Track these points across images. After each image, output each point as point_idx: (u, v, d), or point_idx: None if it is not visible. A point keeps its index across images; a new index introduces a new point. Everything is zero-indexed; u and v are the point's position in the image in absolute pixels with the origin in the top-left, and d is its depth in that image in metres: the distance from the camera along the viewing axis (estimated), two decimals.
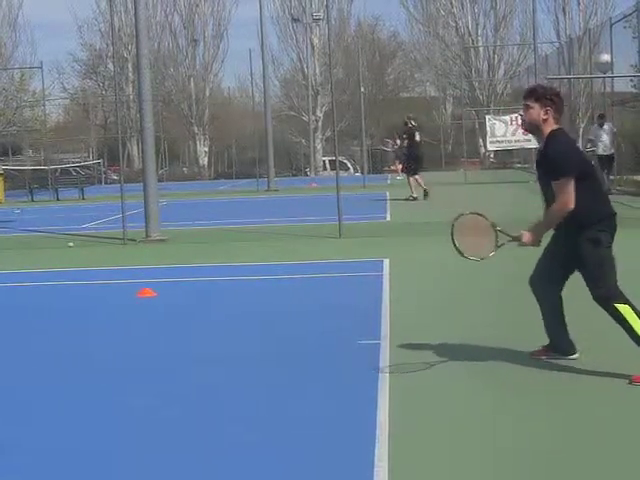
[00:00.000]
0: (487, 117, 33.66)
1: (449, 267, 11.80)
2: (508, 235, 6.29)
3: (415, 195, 23.63)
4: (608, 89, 28.58)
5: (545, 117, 6.20)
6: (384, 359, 6.71)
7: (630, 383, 5.90)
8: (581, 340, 6.60)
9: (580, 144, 33.53)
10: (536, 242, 6.30)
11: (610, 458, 4.65)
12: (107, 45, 59.04)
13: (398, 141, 42.71)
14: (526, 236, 6.24)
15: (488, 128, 32.14)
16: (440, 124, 56.96)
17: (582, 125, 33.95)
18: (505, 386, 6.07)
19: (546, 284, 6.43)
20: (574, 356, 6.50)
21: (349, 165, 52.67)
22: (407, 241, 14.85)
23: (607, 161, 23.63)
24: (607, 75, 26.77)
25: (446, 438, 5.01)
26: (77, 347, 7.75)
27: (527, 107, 6.26)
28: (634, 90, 29.54)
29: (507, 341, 7.10)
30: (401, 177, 39.32)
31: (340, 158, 26.26)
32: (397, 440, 4.92)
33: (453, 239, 6.34)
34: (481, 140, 50.26)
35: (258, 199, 29.68)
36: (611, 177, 23.96)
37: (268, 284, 10.98)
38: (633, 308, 6.07)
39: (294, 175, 54.73)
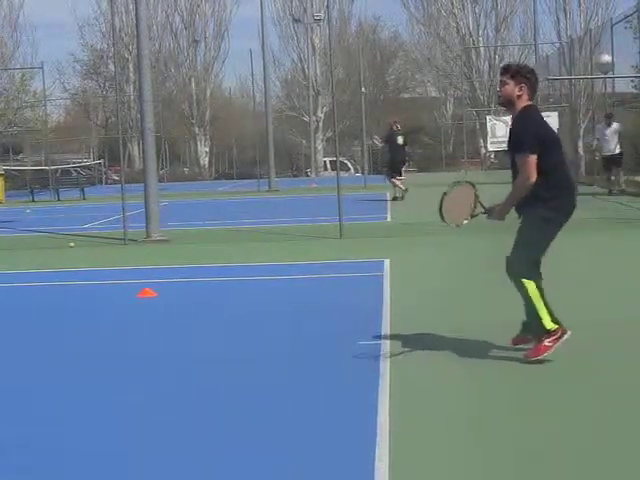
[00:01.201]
0: (488, 117, 33.66)
1: (449, 267, 11.81)
2: (483, 207, 6.56)
3: (398, 195, 24.16)
4: (609, 90, 28.57)
5: (519, 93, 6.44)
6: (384, 359, 6.71)
7: (529, 362, 6.31)
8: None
9: (581, 144, 33.58)
10: (502, 218, 6.55)
11: (614, 459, 4.65)
12: (108, 45, 59.12)
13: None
14: (496, 210, 6.52)
15: (489, 129, 32.14)
16: (441, 125, 57.00)
17: (583, 125, 33.91)
18: (506, 386, 6.07)
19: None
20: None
21: (350, 165, 52.69)
22: (408, 241, 14.85)
23: (612, 162, 23.42)
24: (608, 76, 26.76)
25: (446, 438, 5.01)
26: (77, 347, 7.75)
27: (503, 83, 6.49)
28: (635, 90, 29.55)
29: (508, 341, 7.09)
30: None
31: (341, 158, 26.32)
32: (397, 440, 4.92)
33: (442, 205, 6.68)
34: (482, 141, 50.24)
35: (259, 199, 29.68)
36: (612, 177, 23.75)
37: (268, 284, 10.98)
38: (537, 285, 6.35)
39: (295, 175, 54.75)
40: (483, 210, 6.56)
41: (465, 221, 6.62)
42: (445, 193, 6.70)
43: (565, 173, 6.56)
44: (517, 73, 6.45)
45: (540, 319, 6.36)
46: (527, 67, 6.69)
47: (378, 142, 28.87)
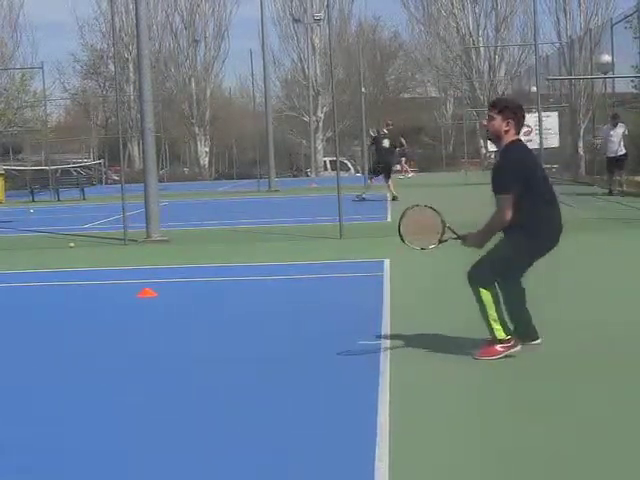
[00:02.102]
0: None
1: (450, 267, 11.80)
2: (455, 233, 6.60)
3: (364, 196, 24.36)
4: (609, 90, 28.57)
5: (507, 128, 6.51)
6: (384, 359, 6.71)
7: (475, 358, 6.46)
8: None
9: (581, 144, 33.57)
10: (479, 246, 6.63)
11: (615, 459, 4.65)
12: (108, 45, 59.15)
13: (403, 140, 43.28)
14: (470, 237, 6.59)
15: None
16: (441, 125, 57.01)
17: (583, 125, 33.91)
18: (506, 386, 6.07)
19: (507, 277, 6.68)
20: (538, 341, 6.68)
21: (350, 165, 52.72)
22: None
23: (616, 163, 23.31)
24: (608, 76, 26.76)
25: (447, 438, 5.01)
26: (77, 347, 7.75)
27: (491, 118, 6.55)
28: (635, 91, 29.54)
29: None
30: (406, 176, 39.49)
31: (341, 158, 26.42)
32: (397, 440, 4.92)
33: (400, 224, 6.79)
34: (482, 141, 50.25)
35: (259, 199, 29.69)
36: (615, 178, 23.64)
37: (268, 284, 10.98)
38: (492, 294, 6.45)
39: (295, 176, 54.75)
40: (455, 236, 6.61)
41: (432, 246, 6.68)
42: (403, 215, 6.82)
43: (550, 209, 6.53)
44: (505, 108, 6.53)
45: (491, 327, 6.47)
46: (515, 102, 6.81)
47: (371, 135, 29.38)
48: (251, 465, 4.70)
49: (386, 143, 24.78)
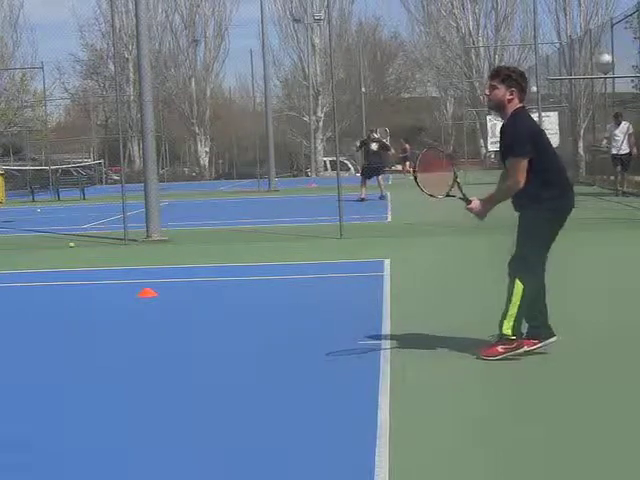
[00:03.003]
0: (488, 117, 33.62)
1: (449, 267, 11.81)
2: (462, 192, 6.51)
3: (363, 196, 24.55)
4: (609, 89, 28.55)
5: (510, 97, 6.44)
6: (384, 359, 6.71)
7: (478, 358, 6.43)
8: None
9: (581, 144, 33.54)
10: (482, 214, 6.53)
11: (613, 457, 4.65)
12: (108, 45, 59.15)
13: (407, 146, 43.46)
14: (475, 203, 6.49)
15: (489, 128, 32.12)
16: (441, 125, 56.96)
17: (583, 125, 33.89)
18: (507, 385, 6.07)
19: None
20: (552, 339, 6.61)
21: (350, 165, 52.69)
22: (408, 241, 14.85)
23: (622, 161, 23.16)
24: (608, 76, 26.74)
25: (446, 438, 5.01)
26: (78, 347, 7.75)
27: (493, 87, 6.47)
28: (635, 91, 29.53)
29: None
30: (407, 177, 39.57)
31: (341, 158, 26.52)
32: (397, 440, 4.92)
33: (417, 165, 6.62)
34: (482, 141, 50.24)
35: (259, 199, 29.69)
36: (619, 177, 23.48)
37: (269, 284, 10.99)
38: (524, 292, 6.35)
39: (295, 176, 54.73)
40: (462, 196, 6.51)
41: (440, 196, 6.55)
42: (421, 157, 6.71)
43: (561, 173, 6.57)
44: (508, 77, 6.46)
45: (504, 319, 6.43)
46: (518, 70, 6.70)
47: (355, 148, 30.10)
48: (251, 465, 4.71)
49: (374, 146, 25.56)
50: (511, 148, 6.34)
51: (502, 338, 6.46)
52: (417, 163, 6.64)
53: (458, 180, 6.54)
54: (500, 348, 6.46)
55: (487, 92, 6.55)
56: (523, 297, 6.36)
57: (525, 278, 6.36)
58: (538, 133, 6.56)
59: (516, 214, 6.59)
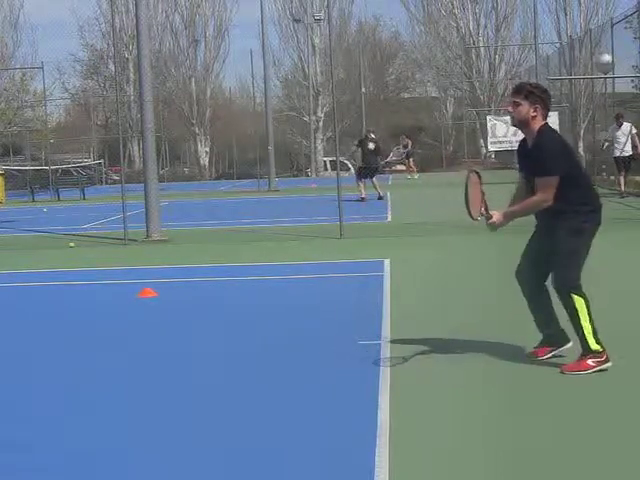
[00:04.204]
0: (488, 117, 33.70)
1: (449, 267, 11.82)
2: (486, 209, 6.37)
3: (363, 196, 24.76)
4: (609, 89, 28.58)
5: (534, 114, 6.33)
6: (384, 359, 6.71)
7: (562, 372, 6.18)
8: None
9: (581, 145, 33.57)
10: (500, 225, 6.38)
11: (609, 455, 4.65)
12: (108, 45, 59.13)
13: (409, 141, 43.44)
14: (495, 215, 6.37)
15: (489, 128, 32.17)
16: (441, 125, 57.00)
17: (583, 125, 33.93)
18: (507, 385, 6.07)
19: (535, 279, 6.50)
20: (569, 345, 6.53)
21: (350, 166, 52.69)
22: (408, 241, 14.85)
23: (624, 163, 23.04)
24: (608, 76, 26.75)
25: (447, 438, 5.01)
26: (77, 347, 7.74)
27: (516, 104, 6.35)
28: (635, 91, 29.56)
29: (508, 341, 7.11)
30: (412, 177, 39.55)
31: (341, 158, 26.52)
32: (397, 440, 4.92)
33: (466, 194, 6.31)
34: (482, 140, 50.25)
35: (259, 199, 29.68)
36: (620, 178, 23.40)
37: (269, 284, 10.99)
38: (586, 302, 6.22)
39: (295, 176, 54.73)
40: (485, 213, 6.38)
41: (479, 217, 6.38)
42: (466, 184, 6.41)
43: (592, 188, 6.53)
44: (531, 93, 6.34)
45: (585, 338, 6.21)
46: (541, 86, 6.61)
47: (353, 145, 29.99)
48: (251, 465, 4.71)
49: (371, 146, 25.55)
50: (543, 165, 6.20)
51: (590, 353, 6.22)
52: (469, 189, 6.34)
53: (485, 198, 6.40)
54: (591, 362, 6.21)
55: (510, 109, 6.43)
56: (587, 307, 6.21)
57: (577, 290, 6.24)
58: (571, 150, 6.52)
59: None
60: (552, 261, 6.33)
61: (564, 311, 6.30)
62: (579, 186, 6.30)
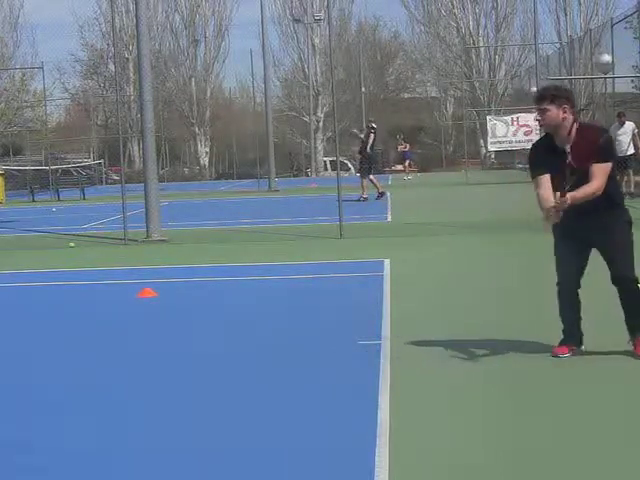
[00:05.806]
0: (488, 117, 33.65)
1: (449, 267, 11.81)
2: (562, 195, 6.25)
3: (366, 196, 24.37)
4: (609, 89, 28.57)
5: (565, 115, 6.34)
6: (385, 359, 6.71)
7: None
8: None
9: None
10: (562, 208, 6.21)
11: (609, 455, 4.65)
12: (108, 45, 59.05)
13: (405, 144, 43.36)
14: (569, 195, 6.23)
15: (489, 129, 32.14)
16: (441, 125, 56.98)
17: None
18: (507, 385, 6.07)
19: (579, 282, 6.67)
20: (582, 348, 6.65)
21: (350, 165, 52.73)
22: (408, 241, 14.85)
23: (624, 162, 22.85)
24: (608, 76, 26.74)
25: (447, 438, 5.01)
26: (77, 347, 7.74)
27: (544, 110, 6.35)
28: (635, 91, 29.55)
29: (507, 340, 7.10)
30: (409, 177, 39.57)
31: (341, 158, 26.42)
32: (397, 440, 4.92)
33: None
34: (482, 141, 50.26)
35: (259, 199, 29.68)
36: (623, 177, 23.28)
37: (269, 284, 10.99)
38: None
39: (295, 176, 54.74)
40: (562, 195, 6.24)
41: (554, 204, 6.25)
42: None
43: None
44: (555, 97, 6.35)
45: None
46: (561, 87, 6.66)
47: (357, 134, 29.43)
48: (251, 465, 4.71)
49: (372, 138, 25.07)
50: (600, 153, 6.27)
51: None
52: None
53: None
54: None
55: (539, 118, 6.44)
56: None
57: (638, 279, 6.38)
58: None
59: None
60: (610, 254, 6.43)
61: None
62: (613, 176, 6.45)
